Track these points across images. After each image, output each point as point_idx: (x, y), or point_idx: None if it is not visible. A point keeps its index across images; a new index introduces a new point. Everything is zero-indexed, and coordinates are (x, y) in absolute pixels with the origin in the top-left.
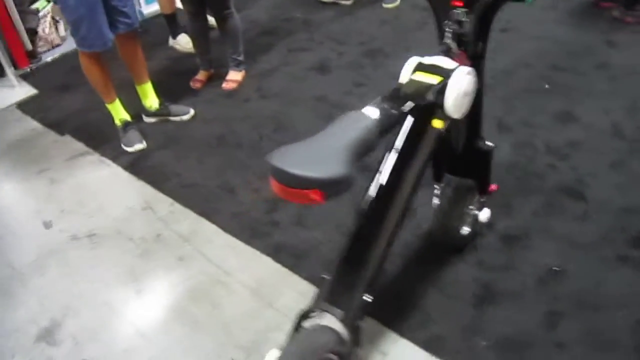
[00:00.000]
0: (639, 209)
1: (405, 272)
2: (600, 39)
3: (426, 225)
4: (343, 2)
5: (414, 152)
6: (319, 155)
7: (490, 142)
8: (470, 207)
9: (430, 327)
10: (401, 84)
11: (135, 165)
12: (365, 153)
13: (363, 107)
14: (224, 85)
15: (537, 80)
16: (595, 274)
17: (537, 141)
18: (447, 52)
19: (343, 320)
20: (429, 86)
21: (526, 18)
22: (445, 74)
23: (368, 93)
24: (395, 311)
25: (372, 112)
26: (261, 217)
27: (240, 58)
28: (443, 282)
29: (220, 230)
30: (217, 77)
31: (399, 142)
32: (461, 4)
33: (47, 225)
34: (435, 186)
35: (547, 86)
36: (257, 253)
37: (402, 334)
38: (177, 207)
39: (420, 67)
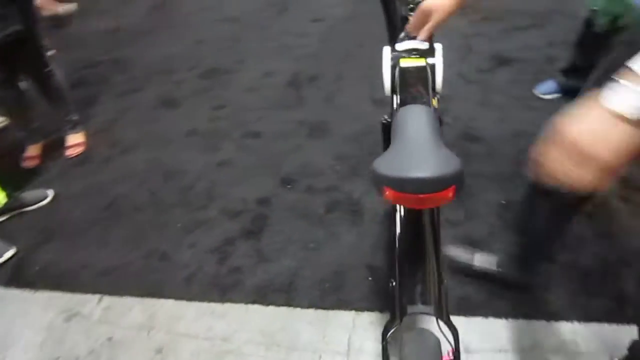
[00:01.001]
0: (521, 130)
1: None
2: None
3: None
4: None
5: None
6: (430, 154)
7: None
8: None
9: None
10: (403, 75)
11: (20, 277)
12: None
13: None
14: (68, 152)
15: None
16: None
17: None
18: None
19: (438, 316)
20: (424, 67)
21: None
22: (427, 53)
23: (232, 114)
24: None
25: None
26: (218, 270)
27: (75, 118)
28: None
29: (182, 302)
30: (52, 147)
31: None
32: None
33: None
34: None
35: None
36: (242, 306)
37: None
38: (111, 299)
39: (399, 55)
